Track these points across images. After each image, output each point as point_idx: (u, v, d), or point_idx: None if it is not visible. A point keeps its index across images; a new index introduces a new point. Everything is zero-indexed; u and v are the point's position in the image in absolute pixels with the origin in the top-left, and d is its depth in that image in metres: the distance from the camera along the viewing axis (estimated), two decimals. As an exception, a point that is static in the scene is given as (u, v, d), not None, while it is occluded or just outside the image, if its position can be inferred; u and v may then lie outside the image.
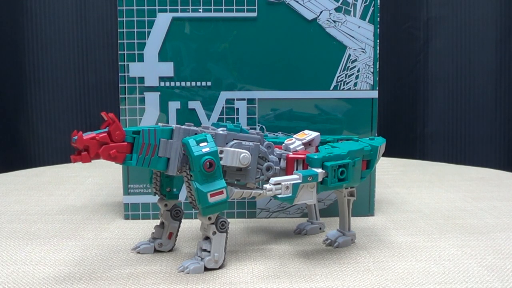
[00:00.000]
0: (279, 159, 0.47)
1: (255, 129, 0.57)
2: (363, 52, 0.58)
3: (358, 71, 0.58)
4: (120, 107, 0.57)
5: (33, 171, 0.89)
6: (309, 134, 0.50)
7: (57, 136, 1.14)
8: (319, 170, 0.44)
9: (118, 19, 0.56)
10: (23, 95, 1.13)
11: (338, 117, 0.58)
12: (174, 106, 0.57)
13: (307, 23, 0.57)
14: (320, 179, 0.44)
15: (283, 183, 0.43)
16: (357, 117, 0.58)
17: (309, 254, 0.48)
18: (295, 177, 0.43)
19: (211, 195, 0.41)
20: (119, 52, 0.56)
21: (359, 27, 0.57)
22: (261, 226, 0.57)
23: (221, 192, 0.42)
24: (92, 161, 0.41)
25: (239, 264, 0.46)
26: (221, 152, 0.43)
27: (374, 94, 0.58)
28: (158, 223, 0.49)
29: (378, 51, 0.58)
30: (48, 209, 0.63)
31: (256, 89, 0.57)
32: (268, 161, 0.46)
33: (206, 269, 0.44)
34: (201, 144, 0.42)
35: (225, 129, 0.46)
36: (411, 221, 0.58)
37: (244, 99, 0.57)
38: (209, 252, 0.43)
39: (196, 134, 0.44)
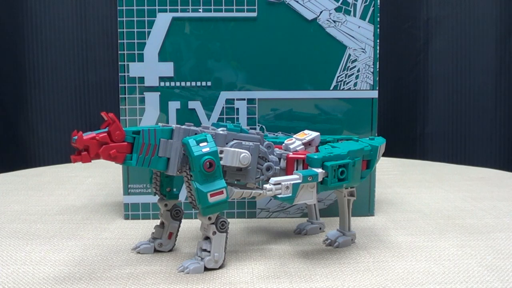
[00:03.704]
0: (279, 159, 0.47)
1: (255, 129, 0.57)
2: (363, 52, 0.58)
3: (358, 71, 0.58)
4: (120, 107, 0.57)
5: (33, 171, 0.89)
6: (309, 134, 0.50)
7: (57, 136, 1.14)
8: (319, 170, 0.44)
9: (118, 19, 0.56)
10: (23, 95, 1.13)
11: (338, 117, 0.58)
12: (174, 106, 0.57)
13: (307, 23, 0.57)
14: (320, 179, 0.44)
15: (283, 183, 0.43)
16: (357, 117, 0.58)
17: (309, 254, 0.48)
18: (295, 177, 0.43)
19: (211, 195, 0.41)
20: (119, 52, 0.56)
21: (359, 27, 0.57)
22: (261, 226, 0.57)
23: (221, 192, 0.42)
24: (92, 161, 0.41)
25: (239, 264, 0.46)
26: (221, 152, 0.43)
27: (374, 94, 0.58)
28: (158, 223, 0.49)
29: (378, 51, 0.58)
30: (48, 209, 0.63)
31: (256, 89, 0.57)
32: (268, 161, 0.46)
33: (206, 269, 0.44)
34: (201, 144, 0.42)
35: (225, 129, 0.46)
36: (411, 221, 0.58)
37: (244, 99, 0.57)
38: (209, 252, 0.43)
39: (196, 134, 0.44)
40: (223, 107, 0.57)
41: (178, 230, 0.49)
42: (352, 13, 0.57)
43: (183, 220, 0.49)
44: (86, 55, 1.13)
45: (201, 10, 0.56)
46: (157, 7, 0.56)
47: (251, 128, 0.57)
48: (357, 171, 0.47)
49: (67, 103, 1.14)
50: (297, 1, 0.57)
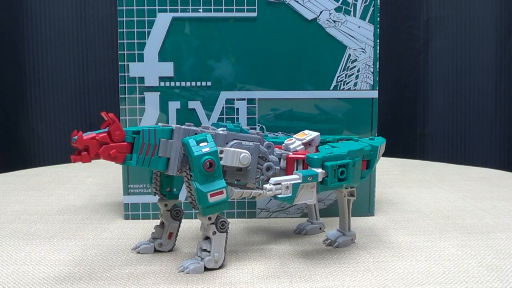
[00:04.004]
0: (279, 159, 0.47)
1: (255, 129, 0.57)
2: (363, 52, 0.58)
3: (358, 71, 0.58)
4: (120, 107, 0.57)
5: (33, 171, 0.89)
6: (309, 134, 0.50)
7: (57, 136, 1.14)
8: (319, 170, 0.44)
9: (118, 19, 0.56)
10: (23, 95, 1.13)
11: (338, 117, 0.58)
12: (174, 106, 0.57)
13: (307, 23, 0.57)
14: (320, 179, 0.44)
15: (283, 183, 0.43)
16: (357, 117, 0.58)
17: (309, 254, 0.48)
18: (295, 177, 0.43)
19: (211, 195, 0.41)
20: (119, 52, 0.56)
21: (359, 27, 0.57)
22: (261, 226, 0.57)
23: (221, 192, 0.42)
24: (92, 161, 0.41)
25: (239, 264, 0.46)
26: (221, 152, 0.43)
27: (374, 94, 0.58)
28: (158, 223, 0.49)
29: (378, 51, 0.58)
30: (48, 209, 0.63)
31: (256, 89, 0.57)
32: (268, 161, 0.46)
33: (206, 269, 0.44)
34: (201, 144, 0.42)
35: (225, 129, 0.46)
36: (411, 221, 0.58)
37: (244, 99, 0.57)
38: (209, 252, 0.43)
39: (196, 134, 0.44)
40: (223, 107, 0.57)
41: (178, 230, 0.49)
42: (352, 13, 0.57)
43: (183, 220, 0.49)
44: (86, 55, 1.13)
45: (201, 10, 0.56)
46: (157, 7, 0.56)
47: (251, 128, 0.57)
48: (357, 171, 0.47)
49: (67, 103, 1.14)
50: (297, 1, 0.57)
